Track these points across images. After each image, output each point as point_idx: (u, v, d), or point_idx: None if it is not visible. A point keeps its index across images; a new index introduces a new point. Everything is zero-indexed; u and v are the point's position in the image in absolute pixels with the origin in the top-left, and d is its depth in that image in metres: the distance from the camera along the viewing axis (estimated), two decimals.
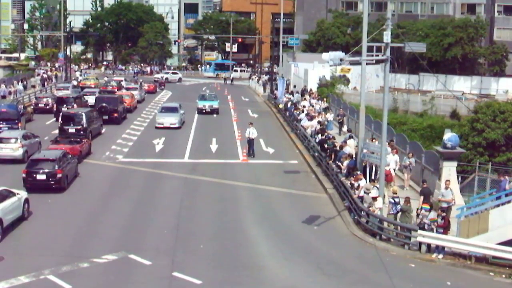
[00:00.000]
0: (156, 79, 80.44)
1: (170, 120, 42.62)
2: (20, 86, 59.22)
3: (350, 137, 35.69)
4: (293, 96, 55.71)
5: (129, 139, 38.86)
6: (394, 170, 27.20)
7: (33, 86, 65.60)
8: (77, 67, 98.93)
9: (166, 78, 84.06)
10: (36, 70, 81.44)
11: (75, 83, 65.01)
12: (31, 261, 18.61)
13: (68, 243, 20.40)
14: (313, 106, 44.53)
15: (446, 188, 22.73)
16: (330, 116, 41.50)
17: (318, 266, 19.00)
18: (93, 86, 63.43)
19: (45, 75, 73.94)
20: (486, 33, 77.03)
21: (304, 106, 45.43)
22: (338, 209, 24.85)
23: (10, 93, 55.76)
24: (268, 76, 77.61)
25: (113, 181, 28.98)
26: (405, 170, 27.45)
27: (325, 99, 48.59)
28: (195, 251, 20.04)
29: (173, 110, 44.56)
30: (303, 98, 53.80)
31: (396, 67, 72.73)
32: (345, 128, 39.60)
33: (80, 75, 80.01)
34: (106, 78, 77.21)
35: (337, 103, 47.58)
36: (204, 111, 50.51)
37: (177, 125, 42.55)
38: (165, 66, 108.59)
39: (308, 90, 55.14)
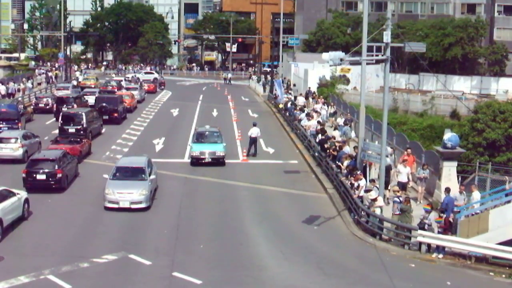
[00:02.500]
0: (127, 78, 75.56)
1: (130, 195, 24.11)
2: (29, 84, 61.30)
3: (335, 128, 35.79)
4: (290, 92, 55.61)
5: (129, 139, 38.85)
6: (407, 184, 25.63)
7: (39, 84, 68.06)
8: (77, 67, 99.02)
9: (138, 78, 74.02)
10: (37, 70, 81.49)
11: (75, 83, 65.21)
12: (31, 261, 18.62)
13: (68, 243, 20.41)
14: (316, 111, 41.73)
15: (460, 192, 22.80)
16: (341, 121, 38.38)
17: (318, 266, 19.00)
18: (93, 86, 63.49)
19: (50, 74, 75.79)
20: (486, 33, 77.10)
21: (304, 107, 45.39)
22: (338, 209, 24.86)
23: (18, 90, 57.27)
24: (265, 76, 77.81)
25: None
26: (420, 183, 25.74)
27: (332, 104, 45.79)
28: (195, 251, 20.04)
29: (135, 173, 25.35)
30: (299, 94, 53.60)
31: (396, 67, 72.76)
32: (353, 134, 37.00)
33: (80, 75, 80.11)
34: (113, 75, 77.69)
35: (337, 103, 47.57)
36: (202, 161, 31.59)
37: (143, 205, 24.22)
38: (140, 66, 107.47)
39: (312, 93, 54.21)
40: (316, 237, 21.95)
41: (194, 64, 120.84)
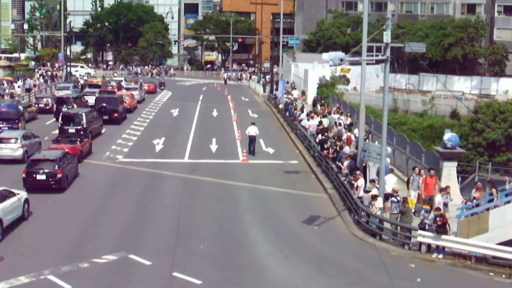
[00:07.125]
0: None
1: None
2: (42, 80, 67.92)
3: (323, 116, 35.92)
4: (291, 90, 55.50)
5: (129, 139, 38.85)
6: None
7: (45, 82, 71.50)
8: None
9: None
10: (36, 70, 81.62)
11: (81, 81, 67.75)
12: (31, 261, 18.61)
13: (68, 243, 20.40)
14: (337, 124, 36.49)
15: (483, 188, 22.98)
16: (358, 132, 31.19)
17: (318, 266, 19.00)
18: (99, 83, 64.00)
19: (53, 73, 78.47)
20: (486, 33, 77.01)
21: (303, 107, 45.25)
22: (338, 209, 24.86)
23: (34, 86, 62.67)
24: (265, 76, 77.78)
25: (113, 181, 28.97)
26: (445, 209, 21.64)
27: (348, 114, 39.09)
28: (195, 251, 20.04)
29: None
30: (293, 88, 53.39)
31: (396, 67, 72.69)
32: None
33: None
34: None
35: (337, 103, 47.50)
36: None
37: None
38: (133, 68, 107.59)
39: (320, 99, 50.71)
40: (316, 237, 21.94)
41: (186, 65, 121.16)
